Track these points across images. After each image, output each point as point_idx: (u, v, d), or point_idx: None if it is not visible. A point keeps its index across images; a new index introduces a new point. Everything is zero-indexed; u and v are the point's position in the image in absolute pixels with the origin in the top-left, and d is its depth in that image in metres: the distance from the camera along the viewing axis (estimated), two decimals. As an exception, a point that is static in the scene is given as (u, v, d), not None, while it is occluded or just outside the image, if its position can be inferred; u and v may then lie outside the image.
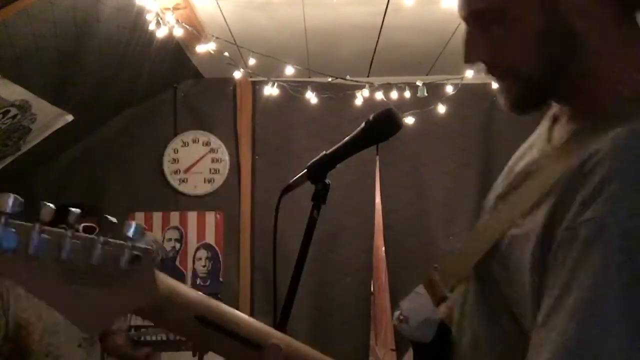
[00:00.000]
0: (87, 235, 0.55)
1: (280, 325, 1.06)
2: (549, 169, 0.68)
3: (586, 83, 0.70)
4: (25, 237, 0.51)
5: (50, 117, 2.56)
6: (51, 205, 0.52)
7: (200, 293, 0.65)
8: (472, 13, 0.72)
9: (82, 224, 2.33)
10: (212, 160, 3.35)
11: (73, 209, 0.53)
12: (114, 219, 0.56)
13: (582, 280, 0.55)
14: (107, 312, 0.55)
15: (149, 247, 0.58)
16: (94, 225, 2.36)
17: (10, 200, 0.49)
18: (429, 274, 0.79)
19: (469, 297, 0.77)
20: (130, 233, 0.56)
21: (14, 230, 0.50)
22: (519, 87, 0.72)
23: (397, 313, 0.80)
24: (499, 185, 0.83)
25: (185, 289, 0.64)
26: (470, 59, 0.74)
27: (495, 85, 0.81)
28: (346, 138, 1.08)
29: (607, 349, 0.52)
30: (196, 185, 3.32)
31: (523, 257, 0.64)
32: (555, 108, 0.78)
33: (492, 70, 0.74)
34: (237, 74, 2.83)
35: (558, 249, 0.59)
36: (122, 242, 0.56)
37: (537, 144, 0.80)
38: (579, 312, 0.54)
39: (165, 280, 0.61)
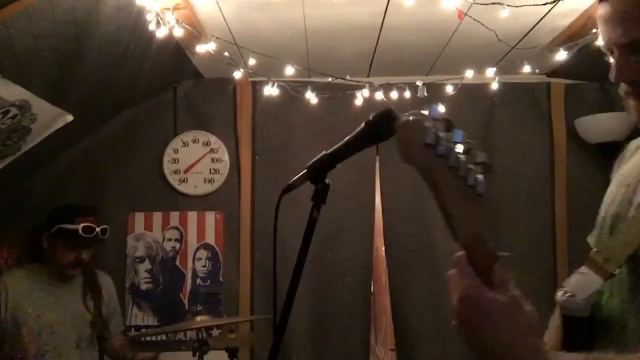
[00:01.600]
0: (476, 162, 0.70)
1: (280, 326, 1.06)
2: None
3: None
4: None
5: (50, 117, 2.56)
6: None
7: None
8: (633, 41, 0.87)
9: (81, 224, 2.33)
10: (212, 160, 3.35)
11: None
12: None
13: None
14: (473, 227, 0.68)
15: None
16: (93, 225, 2.36)
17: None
18: (591, 256, 0.94)
19: (630, 275, 0.89)
20: (482, 159, 0.70)
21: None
22: None
23: (561, 291, 0.95)
24: (627, 192, 0.98)
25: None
26: (622, 79, 0.91)
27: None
28: (346, 138, 1.08)
29: None
30: (196, 185, 3.32)
31: None
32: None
33: (637, 90, 0.90)
34: (237, 74, 2.83)
35: None
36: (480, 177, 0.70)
37: None
38: None
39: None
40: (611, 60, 0.94)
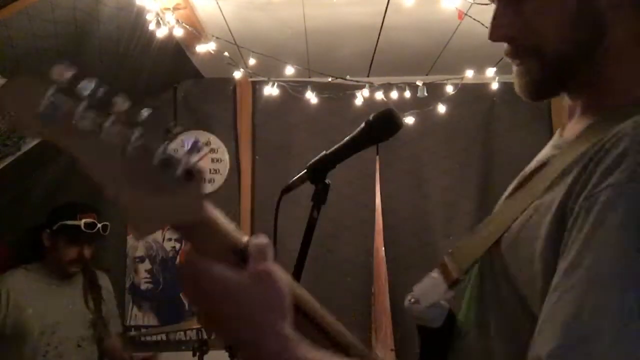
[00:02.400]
0: (151, 139, 0.55)
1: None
2: (566, 154, 0.68)
3: (607, 75, 0.70)
4: (100, 121, 0.52)
5: (50, 117, 2.55)
6: (126, 101, 0.54)
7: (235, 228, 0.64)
8: None
9: (83, 220, 2.34)
10: (212, 160, 3.35)
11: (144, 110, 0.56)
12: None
13: (597, 244, 0.55)
14: (155, 217, 0.55)
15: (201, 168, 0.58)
16: (95, 220, 2.37)
17: (86, 82, 0.52)
18: (442, 258, 0.82)
19: (477, 282, 0.78)
20: (188, 149, 0.57)
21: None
22: (541, 68, 0.73)
23: (409, 295, 0.83)
24: (511, 185, 0.85)
25: (226, 222, 0.64)
26: (496, 35, 0.75)
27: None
28: (346, 138, 1.08)
29: (612, 314, 0.52)
30: (196, 185, 3.32)
31: (538, 232, 0.64)
32: (564, 118, 0.80)
33: (516, 49, 0.75)
34: (237, 74, 2.83)
35: (577, 216, 0.59)
36: (179, 155, 0.57)
37: (548, 145, 0.82)
38: (593, 276, 0.55)
39: (211, 207, 0.62)
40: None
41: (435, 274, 0.82)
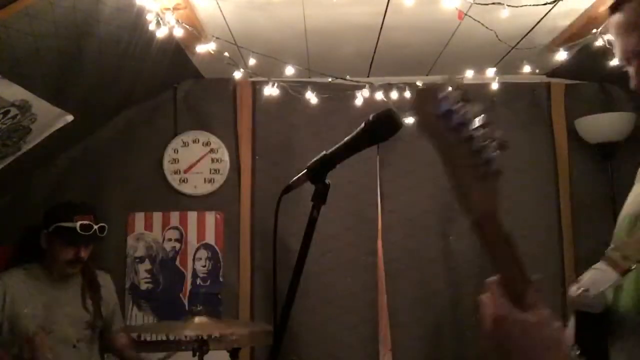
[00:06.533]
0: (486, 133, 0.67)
1: (280, 326, 1.06)
2: None
3: None
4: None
5: (50, 117, 2.56)
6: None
7: None
8: None
9: (79, 222, 2.32)
10: (212, 160, 3.35)
11: None
12: None
13: None
14: (479, 203, 0.67)
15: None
16: (91, 222, 2.35)
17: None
18: (607, 253, 0.94)
19: None
20: (498, 134, 0.68)
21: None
22: None
23: (575, 286, 0.95)
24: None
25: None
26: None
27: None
28: (346, 138, 1.08)
29: None
30: (196, 185, 3.32)
31: None
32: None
33: None
34: (237, 74, 2.83)
35: None
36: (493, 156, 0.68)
37: None
38: None
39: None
40: (629, 69, 0.93)
41: (600, 266, 0.93)
